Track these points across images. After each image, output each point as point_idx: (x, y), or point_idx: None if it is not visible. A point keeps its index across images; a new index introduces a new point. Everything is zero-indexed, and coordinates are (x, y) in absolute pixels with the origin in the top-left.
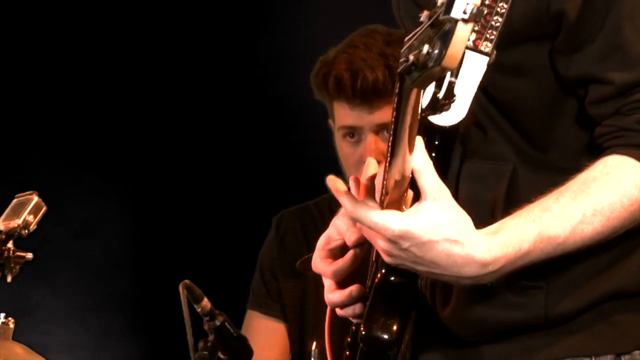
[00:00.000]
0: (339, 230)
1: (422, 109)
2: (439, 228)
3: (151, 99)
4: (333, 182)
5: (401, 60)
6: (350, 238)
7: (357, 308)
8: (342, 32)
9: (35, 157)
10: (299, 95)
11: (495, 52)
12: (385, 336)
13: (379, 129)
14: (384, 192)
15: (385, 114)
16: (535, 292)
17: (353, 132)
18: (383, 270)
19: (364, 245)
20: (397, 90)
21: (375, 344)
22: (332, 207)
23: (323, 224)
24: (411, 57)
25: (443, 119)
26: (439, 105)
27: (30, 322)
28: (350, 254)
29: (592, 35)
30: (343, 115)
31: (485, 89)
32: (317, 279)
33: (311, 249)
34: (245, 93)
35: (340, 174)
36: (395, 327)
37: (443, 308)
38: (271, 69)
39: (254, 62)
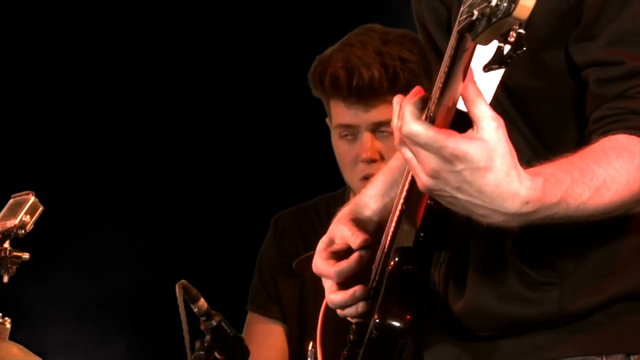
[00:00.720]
0: (342, 235)
1: (486, 64)
2: (496, 157)
3: (151, 100)
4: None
5: (461, 18)
6: (356, 241)
7: (360, 307)
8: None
9: (32, 156)
10: (296, 95)
11: None
12: (399, 324)
13: (375, 128)
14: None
15: (381, 113)
16: (549, 288)
17: (349, 131)
18: (396, 259)
19: (368, 248)
20: (452, 51)
21: (388, 332)
22: (330, 207)
23: (320, 225)
24: (475, 12)
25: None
26: (506, 57)
27: (27, 322)
28: (355, 255)
29: (608, 23)
30: (339, 113)
31: (504, 83)
32: (316, 279)
33: (308, 249)
34: (243, 94)
35: (338, 173)
36: (408, 316)
37: (456, 301)
38: (271, 70)
39: (254, 64)
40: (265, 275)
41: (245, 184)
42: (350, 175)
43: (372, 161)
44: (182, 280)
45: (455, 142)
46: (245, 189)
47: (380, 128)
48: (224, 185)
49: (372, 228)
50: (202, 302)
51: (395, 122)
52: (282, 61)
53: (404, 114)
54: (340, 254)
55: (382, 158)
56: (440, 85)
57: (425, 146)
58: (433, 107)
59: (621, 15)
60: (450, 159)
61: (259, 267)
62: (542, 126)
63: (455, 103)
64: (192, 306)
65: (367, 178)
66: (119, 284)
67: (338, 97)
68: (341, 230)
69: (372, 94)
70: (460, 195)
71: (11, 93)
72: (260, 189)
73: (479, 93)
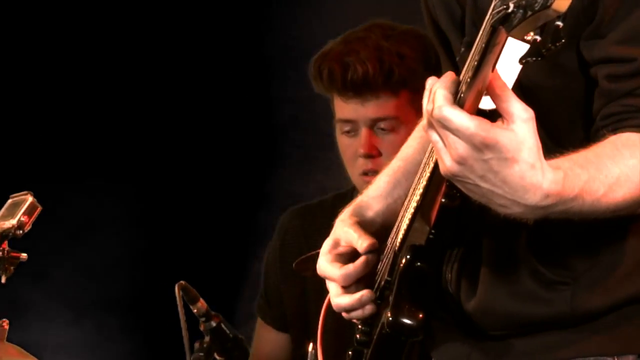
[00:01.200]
0: (347, 238)
1: (522, 56)
2: (524, 148)
3: (150, 99)
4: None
5: (494, 11)
6: (363, 245)
7: (367, 309)
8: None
9: (30, 156)
10: (294, 97)
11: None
12: (412, 323)
13: (372, 123)
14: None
15: (377, 108)
16: (562, 287)
17: (350, 126)
18: (408, 256)
19: (375, 252)
20: (483, 45)
21: (401, 330)
22: (336, 206)
23: (324, 223)
24: (511, 5)
25: (484, 102)
26: (543, 50)
27: (25, 323)
28: (362, 259)
29: (621, 20)
30: (339, 108)
31: (519, 81)
32: (318, 279)
33: (311, 247)
34: (243, 94)
35: (341, 171)
36: (421, 315)
37: (468, 300)
38: (273, 68)
39: (256, 62)
40: (268, 278)
41: (246, 184)
42: (351, 171)
43: (369, 156)
44: (182, 281)
45: (486, 131)
46: (246, 189)
47: (378, 124)
48: (224, 185)
49: (375, 230)
50: (202, 303)
51: (425, 105)
52: (285, 59)
53: (437, 97)
54: (345, 257)
55: (380, 154)
56: (468, 79)
57: (455, 132)
58: (461, 95)
59: (634, 14)
60: (480, 147)
61: (264, 269)
62: (555, 125)
63: (482, 94)
64: (191, 307)
65: (366, 173)
66: (118, 285)
67: (335, 92)
68: (347, 234)
69: (367, 89)
70: (483, 184)
71: (10, 94)
72: (261, 190)
73: (505, 87)
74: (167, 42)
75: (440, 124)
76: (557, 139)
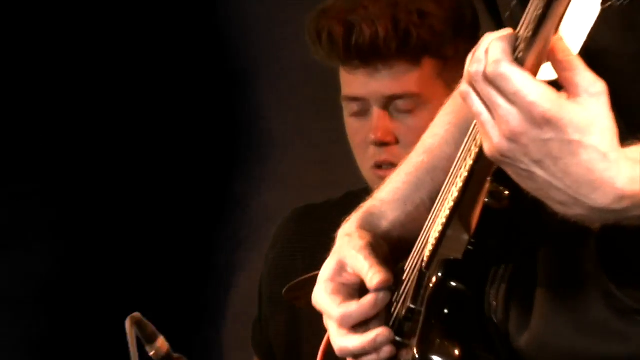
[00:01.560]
0: (355, 265)
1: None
2: (594, 131)
3: (92, 82)
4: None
5: None
6: (374, 280)
7: (383, 353)
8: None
9: None
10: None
11: None
12: None
13: (387, 102)
14: None
15: (393, 83)
16: None
17: (358, 105)
18: (439, 274)
19: (388, 291)
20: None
21: None
22: (345, 206)
23: (325, 227)
24: None
25: (543, 73)
26: None
27: None
28: (370, 298)
29: None
30: (345, 82)
31: (586, 47)
32: (314, 311)
33: (305, 256)
34: (203, 88)
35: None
36: (457, 351)
37: (519, 334)
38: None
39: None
40: (260, 297)
41: (214, 185)
42: (361, 162)
43: (383, 144)
44: (134, 313)
45: (552, 101)
46: (215, 191)
47: (393, 103)
48: (188, 184)
49: (391, 245)
50: (162, 343)
51: (468, 63)
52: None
53: (493, 49)
54: (351, 288)
55: (397, 141)
56: (529, 35)
57: (512, 96)
58: (519, 55)
59: None
60: (540, 121)
61: (259, 286)
62: (629, 104)
63: (544, 58)
64: (146, 348)
65: (379, 166)
66: (46, 319)
67: (337, 61)
68: (355, 260)
69: (377, 56)
70: (538, 172)
71: None
72: (237, 192)
73: (570, 53)
74: (112, 31)
75: (492, 86)
76: (631, 121)
